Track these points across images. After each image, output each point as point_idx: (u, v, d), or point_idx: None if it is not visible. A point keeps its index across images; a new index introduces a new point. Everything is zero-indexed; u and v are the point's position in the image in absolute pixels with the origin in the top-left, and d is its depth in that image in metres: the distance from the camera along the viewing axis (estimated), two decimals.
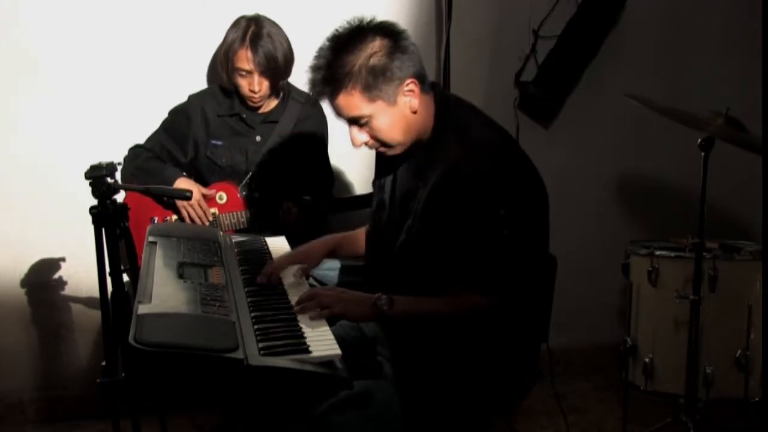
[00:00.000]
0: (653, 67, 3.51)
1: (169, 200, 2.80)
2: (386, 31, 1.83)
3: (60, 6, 2.93)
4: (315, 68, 1.84)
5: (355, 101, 1.81)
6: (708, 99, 3.13)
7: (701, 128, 2.58)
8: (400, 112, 1.84)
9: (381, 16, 1.98)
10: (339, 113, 1.87)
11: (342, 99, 1.82)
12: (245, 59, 2.69)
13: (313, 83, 1.84)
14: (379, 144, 1.90)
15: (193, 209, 2.77)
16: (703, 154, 2.56)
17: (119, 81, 3.01)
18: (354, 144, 1.89)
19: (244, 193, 2.83)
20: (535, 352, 2.06)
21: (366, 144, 1.90)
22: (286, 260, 2.13)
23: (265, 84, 2.74)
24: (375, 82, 1.80)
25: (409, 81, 1.82)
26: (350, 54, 1.79)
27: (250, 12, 2.80)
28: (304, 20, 3.02)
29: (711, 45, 3.56)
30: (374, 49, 1.80)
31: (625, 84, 3.35)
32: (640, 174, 3.61)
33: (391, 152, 1.92)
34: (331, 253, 2.23)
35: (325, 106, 1.94)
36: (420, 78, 1.85)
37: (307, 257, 2.16)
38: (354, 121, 1.86)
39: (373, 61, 1.79)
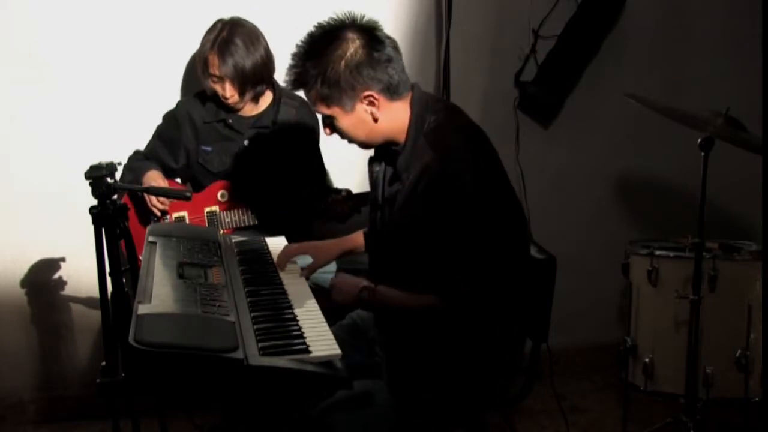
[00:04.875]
0: (653, 67, 3.51)
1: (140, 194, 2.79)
2: (364, 37, 1.87)
3: (62, 6, 2.93)
4: (289, 67, 1.92)
5: (317, 103, 1.92)
6: (708, 99, 3.12)
7: (701, 128, 2.58)
8: (359, 118, 1.91)
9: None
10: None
11: (309, 97, 1.93)
12: (214, 65, 2.67)
13: (288, 81, 1.94)
14: (343, 138, 1.98)
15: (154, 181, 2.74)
16: (703, 154, 2.56)
17: (121, 81, 3.00)
18: (325, 133, 2.01)
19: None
20: (518, 348, 2.08)
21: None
22: (297, 249, 2.19)
23: (236, 89, 2.72)
24: (330, 92, 1.87)
25: (367, 93, 1.87)
26: (317, 58, 1.86)
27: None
28: (304, 22, 3.01)
29: (711, 45, 3.55)
30: (341, 56, 1.84)
31: (625, 84, 3.35)
32: (639, 174, 3.61)
33: (360, 147, 2.02)
34: (347, 254, 2.27)
35: None
36: (388, 89, 1.89)
37: (317, 253, 2.20)
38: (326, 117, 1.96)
39: (330, 73, 1.85)
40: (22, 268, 3.06)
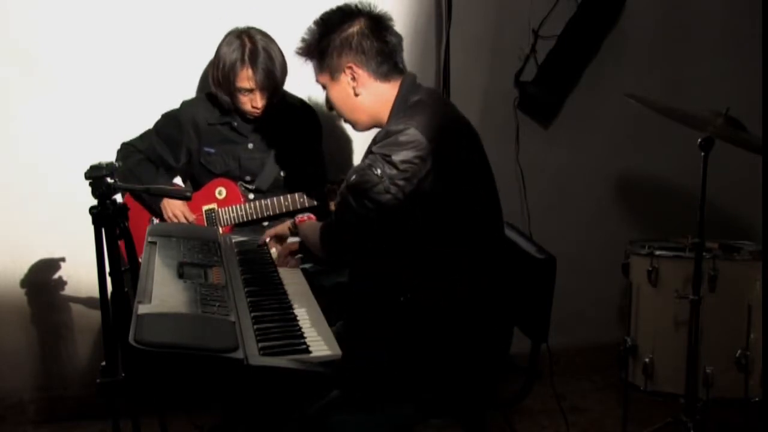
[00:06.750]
0: (653, 67, 3.51)
1: (155, 206, 2.81)
2: (370, 23, 2.03)
3: (62, 6, 2.93)
4: (303, 38, 2.11)
5: (315, 71, 2.09)
6: (708, 99, 3.12)
7: (701, 128, 2.58)
8: (343, 90, 2.05)
9: None
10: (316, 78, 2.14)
11: (313, 65, 2.10)
12: (246, 78, 2.65)
13: (297, 47, 2.12)
14: (339, 114, 2.13)
15: (177, 219, 2.78)
16: (703, 154, 2.56)
17: (121, 81, 3.00)
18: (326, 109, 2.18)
19: (243, 188, 2.85)
20: (504, 339, 2.08)
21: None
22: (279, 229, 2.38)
23: (266, 98, 2.71)
24: (321, 57, 2.05)
25: (349, 65, 2.01)
26: (323, 28, 2.05)
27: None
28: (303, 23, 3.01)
29: (711, 45, 3.55)
30: (341, 30, 2.01)
31: (625, 84, 3.35)
32: (639, 174, 3.61)
33: (354, 128, 2.15)
34: None
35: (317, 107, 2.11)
36: (371, 68, 2.02)
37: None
38: (323, 88, 2.12)
39: (325, 40, 2.03)
40: (22, 268, 3.06)
